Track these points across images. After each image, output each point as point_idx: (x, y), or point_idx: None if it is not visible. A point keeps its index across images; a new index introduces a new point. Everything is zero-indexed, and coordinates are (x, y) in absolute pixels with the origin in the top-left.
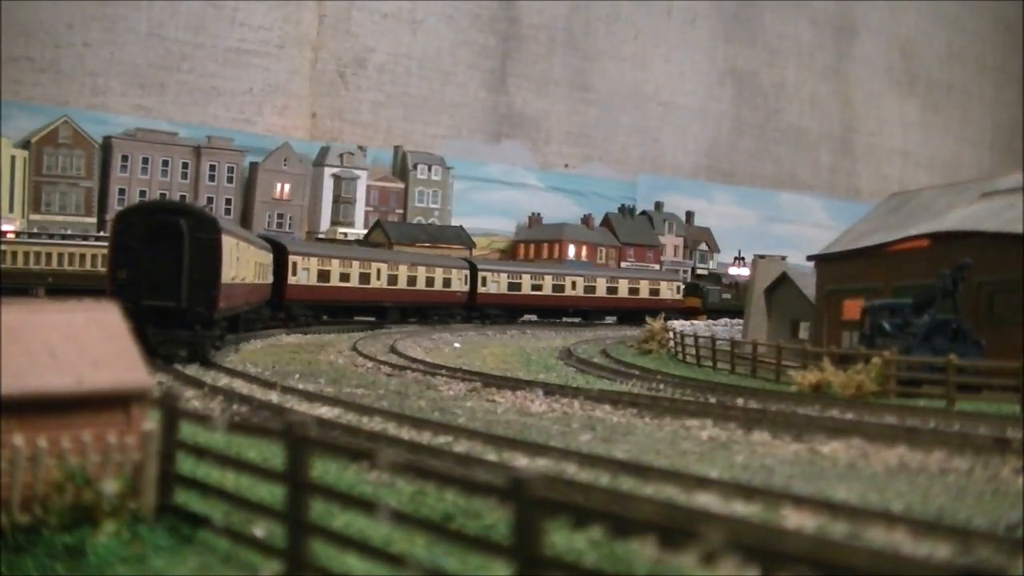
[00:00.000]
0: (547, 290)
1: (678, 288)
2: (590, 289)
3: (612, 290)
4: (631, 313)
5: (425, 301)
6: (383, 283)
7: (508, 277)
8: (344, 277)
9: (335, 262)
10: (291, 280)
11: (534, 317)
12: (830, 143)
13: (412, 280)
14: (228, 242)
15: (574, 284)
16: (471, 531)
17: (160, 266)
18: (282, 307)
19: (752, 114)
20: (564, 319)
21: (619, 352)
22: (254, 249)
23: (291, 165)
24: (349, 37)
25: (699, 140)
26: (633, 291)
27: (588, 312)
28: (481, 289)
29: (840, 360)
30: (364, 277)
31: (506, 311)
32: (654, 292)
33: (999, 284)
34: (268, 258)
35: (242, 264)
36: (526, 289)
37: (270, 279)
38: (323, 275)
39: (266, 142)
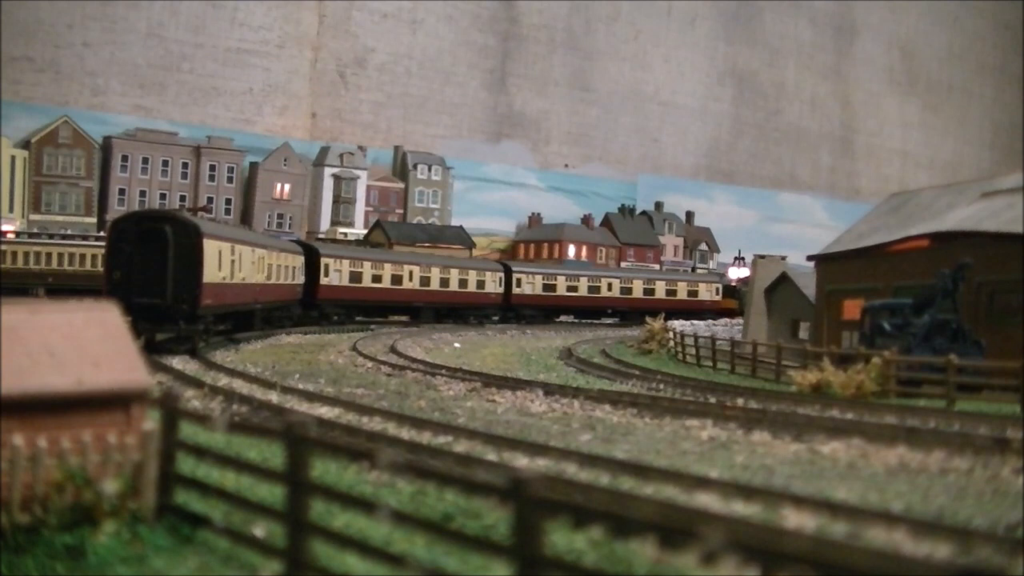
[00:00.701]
0: (583, 291)
1: (717, 290)
2: (626, 291)
3: (649, 291)
4: (670, 314)
5: (458, 302)
6: (415, 284)
7: (543, 279)
8: (376, 279)
9: (367, 264)
10: (323, 281)
11: (571, 318)
12: (830, 143)
13: (445, 282)
14: (213, 245)
15: (610, 285)
16: (471, 531)
17: (149, 267)
18: (315, 306)
19: (752, 114)
20: (603, 319)
21: (619, 352)
22: (266, 251)
23: (291, 165)
24: (349, 37)
25: (699, 140)
26: (671, 292)
27: (626, 313)
28: (516, 290)
29: (840, 360)
30: (396, 279)
31: (542, 312)
32: (692, 294)
33: (999, 284)
34: (297, 260)
35: (243, 265)
36: (561, 290)
37: (300, 280)
38: (355, 276)
39: (266, 142)
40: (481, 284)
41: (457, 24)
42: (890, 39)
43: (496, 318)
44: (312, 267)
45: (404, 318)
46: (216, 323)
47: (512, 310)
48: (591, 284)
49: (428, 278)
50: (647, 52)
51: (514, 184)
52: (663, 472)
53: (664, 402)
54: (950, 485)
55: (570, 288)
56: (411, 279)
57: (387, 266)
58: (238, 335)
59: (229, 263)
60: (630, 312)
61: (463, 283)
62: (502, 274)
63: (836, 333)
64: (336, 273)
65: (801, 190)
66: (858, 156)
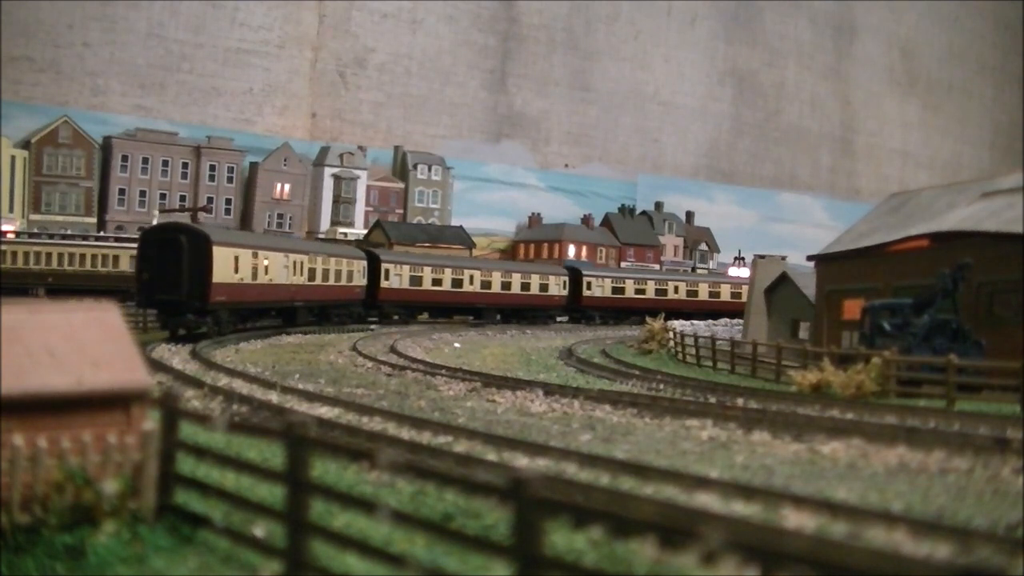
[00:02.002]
0: (650, 294)
1: None
2: (692, 293)
3: (714, 294)
4: (733, 315)
5: (520, 304)
6: (476, 287)
7: (612, 282)
8: (436, 282)
9: (427, 269)
10: (383, 284)
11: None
12: (830, 143)
13: (507, 285)
14: (224, 252)
15: (676, 288)
16: (471, 531)
17: (169, 270)
18: (376, 306)
19: (752, 114)
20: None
21: (619, 352)
22: (307, 256)
23: (291, 165)
24: (349, 37)
25: (699, 140)
26: (735, 295)
27: (691, 314)
28: (587, 293)
29: (840, 360)
30: (457, 282)
31: (611, 313)
32: (735, 295)
33: (999, 284)
34: (357, 265)
35: (272, 269)
36: (630, 293)
37: (360, 282)
38: (415, 280)
39: (266, 142)
40: (545, 287)
41: (457, 24)
42: (890, 39)
43: (564, 319)
44: (374, 271)
45: (469, 317)
46: (234, 316)
47: (580, 311)
48: (658, 287)
49: (489, 282)
50: (647, 52)
51: (514, 184)
52: (663, 472)
53: (664, 402)
54: (950, 485)
55: (638, 291)
56: (472, 283)
57: (447, 271)
58: (261, 330)
59: (250, 267)
60: (694, 314)
61: (525, 286)
62: (566, 278)
63: (836, 333)
64: (396, 277)
65: (801, 190)
66: (858, 156)
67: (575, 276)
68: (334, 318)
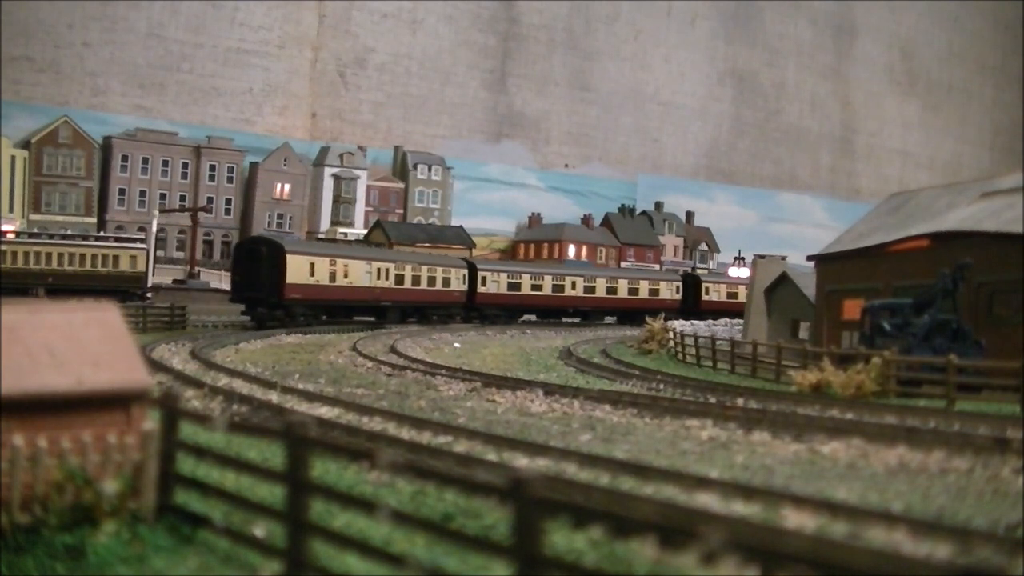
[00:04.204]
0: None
1: None
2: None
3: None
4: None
5: (626, 306)
6: (579, 292)
7: (726, 287)
8: (536, 287)
9: (525, 276)
10: (480, 289)
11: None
12: (830, 143)
13: (612, 290)
14: (298, 259)
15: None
16: (471, 531)
17: (253, 273)
18: (475, 308)
19: (752, 114)
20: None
21: (619, 352)
22: (394, 264)
23: (291, 165)
24: (349, 37)
25: (699, 140)
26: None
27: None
28: (705, 297)
29: (840, 360)
30: (558, 287)
31: (723, 315)
32: None
33: (999, 284)
34: (457, 273)
35: (352, 273)
36: (742, 297)
37: (459, 287)
38: (513, 286)
39: (266, 142)
40: (655, 292)
41: (457, 24)
42: (890, 39)
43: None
44: (473, 278)
45: (575, 319)
46: (312, 310)
47: (699, 314)
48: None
49: (593, 287)
50: (647, 52)
51: (514, 184)
52: (663, 472)
53: (664, 402)
54: (950, 485)
55: (730, 295)
56: (574, 287)
57: (547, 277)
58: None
59: (327, 272)
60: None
61: (633, 291)
62: (679, 283)
63: (836, 333)
64: (494, 284)
65: (801, 190)
66: (858, 156)
67: (696, 283)
68: (434, 317)
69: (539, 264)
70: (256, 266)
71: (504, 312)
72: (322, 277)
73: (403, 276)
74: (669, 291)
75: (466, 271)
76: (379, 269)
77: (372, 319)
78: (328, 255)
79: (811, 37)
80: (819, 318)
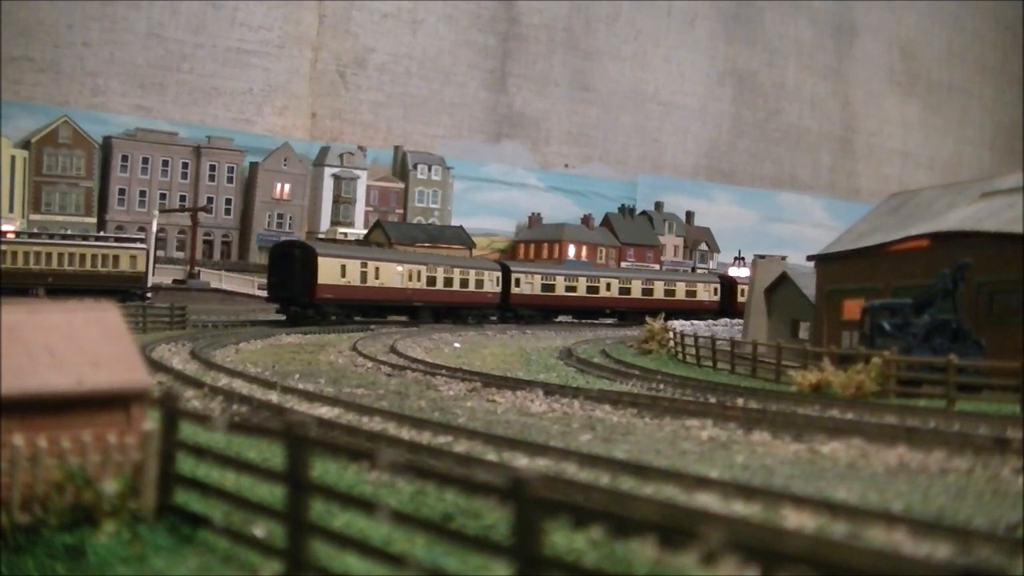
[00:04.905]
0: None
1: None
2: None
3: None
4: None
5: (661, 307)
6: (614, 293)
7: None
8: (570, 288)
9: (559, 278)
10: (514, 290)
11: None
12: (830, 143)
13: (648, 292)
14: (328, 262)
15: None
16: (471, 531)
17: (287, 274)
18: (510, 308)
19: (752, 114)
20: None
21: (619, 352)
22: (425, 267)
23: (291, 165)
24: (349, 37)
25: (699, 140)
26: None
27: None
28: (741, 299)
29: (840, 360)
30: (592, 289)
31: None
32: None
33: (999, 284)
34: (490, 275)
35: (383, 275)
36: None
37: (493, 289)
38: (547, 287)
39: (266, 142)
40: (692, 293)
41: (457, 24)
42: (890, 39)
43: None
44: (507, 280)
45: (610, 320)
46: (343, 310)
47: (736, 315)
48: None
49: (628, 288)
50: (647, 52)
51: (514, 184)
52: (663, 472)
53: (664, 402)
54: (950, 485)
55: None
56: (609, 289)
57: (581, 279)
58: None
59: (358, 273)
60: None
61: (669, 292)
62: (717, 285)
63: (836, 333)
64: (527, 285)
65: (801, 190)
66: (858, 156)
67: (732, 285)
68: (469, 318)
69: (577, 267)
70: (289, 268)
71: (539, 313)
72: (353, 278)
73: (435, 278)
74: (707, 292)
75: (499, 273)
76: (411, 271)
77: (405, 319)
78: (360, 257)
79: (811, 37)
80: (819, 318)
